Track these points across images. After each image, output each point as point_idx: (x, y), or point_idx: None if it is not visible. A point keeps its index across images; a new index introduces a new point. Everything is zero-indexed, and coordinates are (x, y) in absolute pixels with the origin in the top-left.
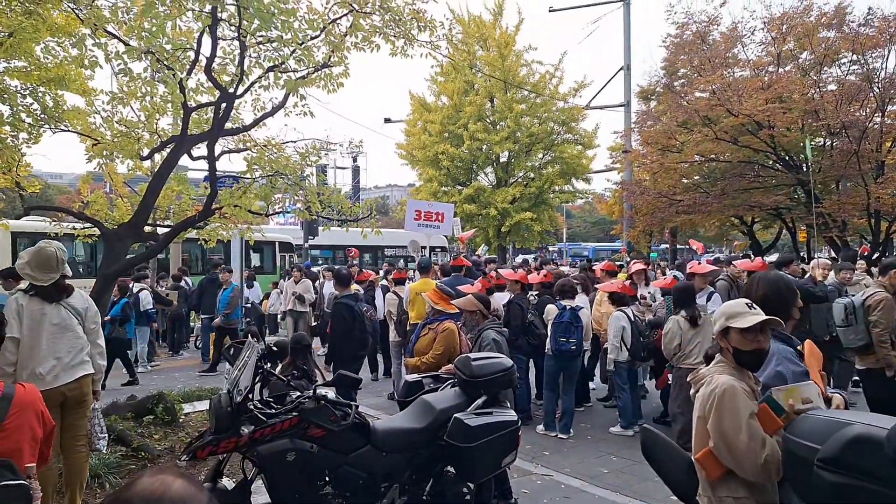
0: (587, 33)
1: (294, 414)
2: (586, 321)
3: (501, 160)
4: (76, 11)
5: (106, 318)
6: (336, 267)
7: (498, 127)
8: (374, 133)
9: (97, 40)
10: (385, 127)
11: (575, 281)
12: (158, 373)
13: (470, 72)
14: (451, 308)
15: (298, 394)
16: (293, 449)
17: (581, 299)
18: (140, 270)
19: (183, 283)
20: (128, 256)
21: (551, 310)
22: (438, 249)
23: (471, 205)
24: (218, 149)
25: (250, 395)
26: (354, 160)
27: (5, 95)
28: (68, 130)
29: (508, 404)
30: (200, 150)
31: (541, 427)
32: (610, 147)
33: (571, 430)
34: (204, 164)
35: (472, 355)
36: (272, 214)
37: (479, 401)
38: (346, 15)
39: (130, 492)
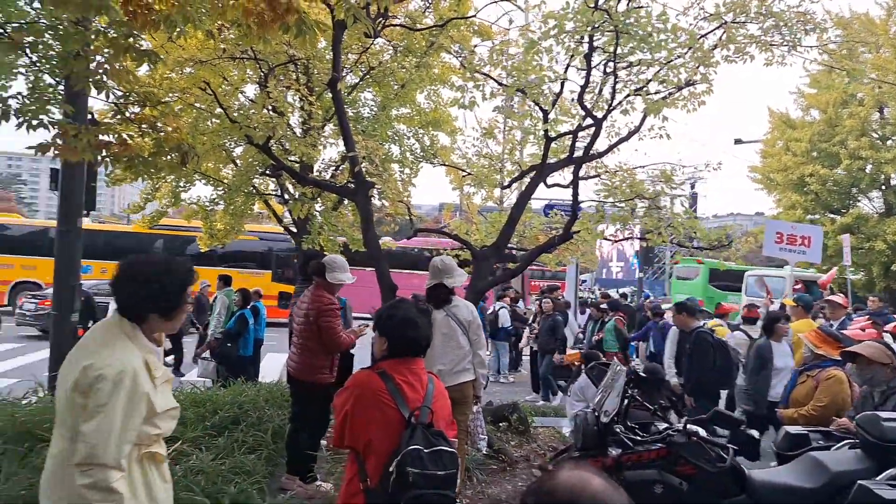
0: None
1: (661, 445)
2: None
3: (893, 182)
4: (459, 59)
5: (217, 335)
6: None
7: (889, 142)
8: (722, 155)
9: (476, 83)
10: (734, 149)
11: None
12: (507, 385)
13: (860, 78)
14: (836, 354)
15: (666, 425)
16: (661, 482)
17: None
18: (505, 290)
19: (518, 306)
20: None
21: None
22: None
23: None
24: (570, 176)
25: (616, 419)
26: (692, 186)
27: (395, 138)
28: (444, 164)
29: None
30: (552, 178)
31: None
32: None
33: None
34: (544, 194)
35: (884, 414)
36: (623, 240)
37: (893, 471)
38: (715, 29)
39: (554, 482)
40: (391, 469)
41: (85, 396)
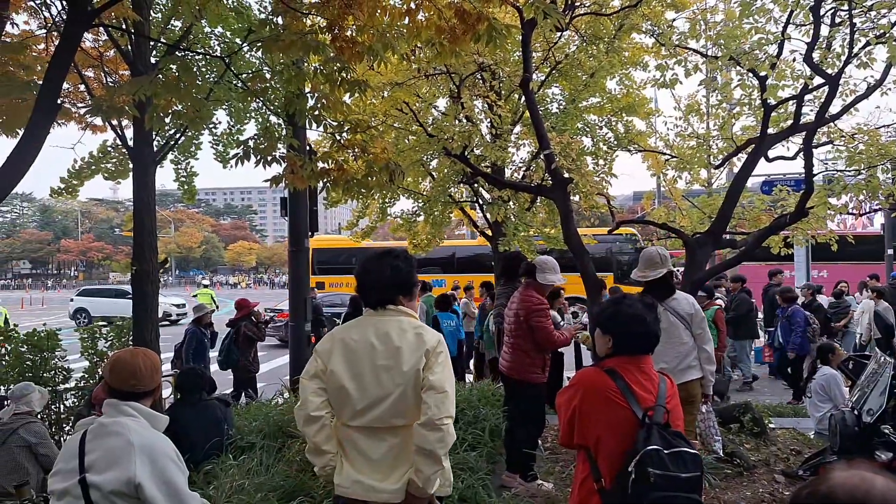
0: None
1: None
2: None
3: None
4: (654, 36)
5: None
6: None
7: None
8: None
9: (676, 58)
10: None
11: None
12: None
13: None
14: None
15: None
16: None
17: None
18: (718, 279)
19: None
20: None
21: None
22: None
23: None
24: (794, 147)
25: (882, 418)
26: None
27: (587, 129)
28: (642, 150)
29: None
30: (773, 150)
31: None
32: None
33: None
34: (760, 170)
35: None
36: (869, 213)
37: None
38: None
39: (830, 484)
40: (630, 469)
41: (432, 367)
